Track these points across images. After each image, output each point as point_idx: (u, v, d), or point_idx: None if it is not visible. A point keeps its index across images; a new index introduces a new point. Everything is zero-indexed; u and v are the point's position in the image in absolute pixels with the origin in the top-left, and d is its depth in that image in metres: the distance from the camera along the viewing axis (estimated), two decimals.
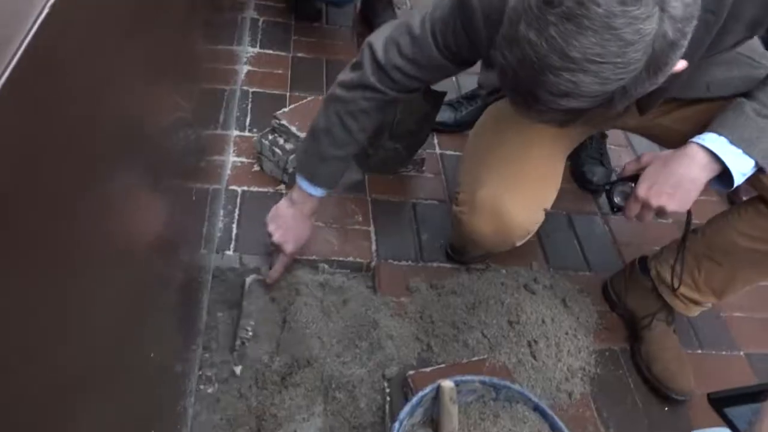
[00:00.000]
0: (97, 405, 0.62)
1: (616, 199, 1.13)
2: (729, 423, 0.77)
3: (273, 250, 1.36)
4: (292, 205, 1.30)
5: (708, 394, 0.84)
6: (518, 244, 1.24)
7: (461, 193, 1.27)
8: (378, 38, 1.11)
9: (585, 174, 1.81)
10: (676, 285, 1.32)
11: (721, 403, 0.77)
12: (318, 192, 1.27)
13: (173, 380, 0.99)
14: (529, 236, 1.25)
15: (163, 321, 0.93)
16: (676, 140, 1.13)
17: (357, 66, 1.14)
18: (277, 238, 1.31)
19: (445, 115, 1.86)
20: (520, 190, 1.19)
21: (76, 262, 0.52)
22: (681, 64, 0.80)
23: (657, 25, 0.70)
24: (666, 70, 0.76)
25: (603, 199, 1.76)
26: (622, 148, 2.04)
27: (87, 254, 0.55)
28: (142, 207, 0.79)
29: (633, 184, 1.09)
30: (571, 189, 1.83)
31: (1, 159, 0.34)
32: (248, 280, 1.39)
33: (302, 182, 1.26)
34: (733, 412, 0.77)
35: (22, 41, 0.35)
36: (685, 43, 0.75)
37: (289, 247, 1.32)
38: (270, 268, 1.39)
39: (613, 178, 1.74)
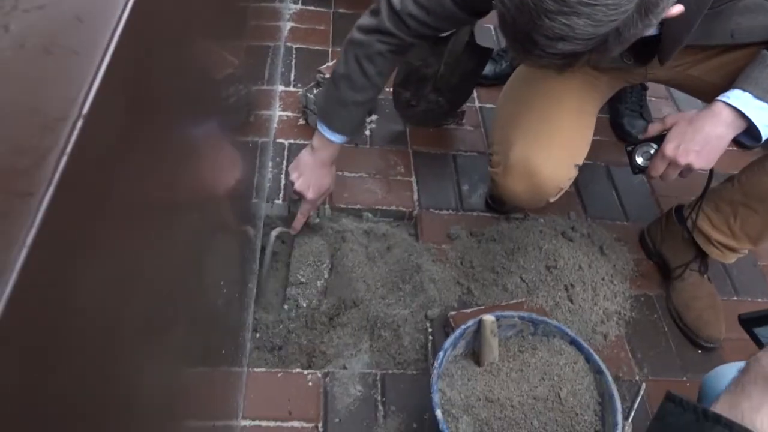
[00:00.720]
0: (183, 327, 0.70)
1: (639, 160, 1.15)
2: (757, 341, 0.80)
3: (296, 198, 1.38)
4: (312, 153, 1.32)
5: (739, 315, 0.87)
6: (552, 200, 1.27)
7: (494, 154, 1.30)
8: None
9: (624, 126, 1.82)
10: (690, 230, 1.38)
11: (751, 323, 0.79)
12: (336, 138, 1.29)
13: (236, 312, 1.08)
14: (562, 192, 1.28)
15: (227, 258, 1.01)
16: (708, 91, 1.14)
17: (375, 12, 1.17)
18: (298, 185, 1.33)
19: (485, 68, 1.89)
20: (551, 147, 1.22)
21: (165, 204, 0.59)
22: (677, 8, 0.83)
23: None
24: (657, 12, 0.79)
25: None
26: (662, 100, 2.04)
27: (172, 198, 0.62)
28: (209, 158, 0.86)
29: (655, 145, 1.12)
30: (610, 141, 1.85)
31: (117, 103, 0.41)
32: (273, 233, 1.42)
33: (322, 128, 1.29)
34: (762, 331, 0.80)
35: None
36: None
37: (310, 194, 1.34)
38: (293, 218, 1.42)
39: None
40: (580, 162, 1.26)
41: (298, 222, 1.39)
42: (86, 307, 0.38)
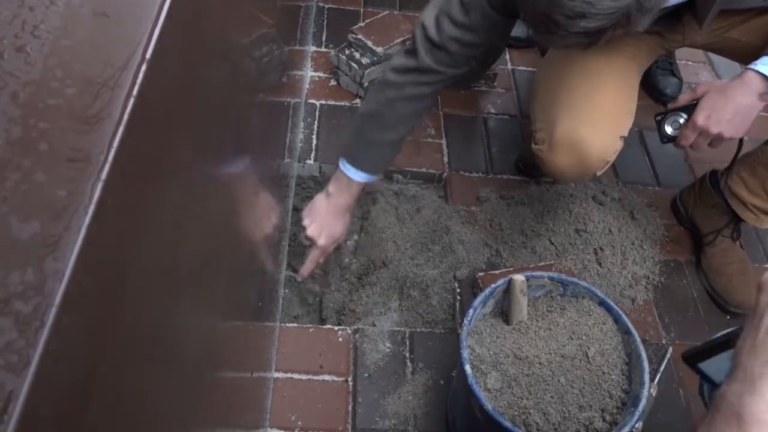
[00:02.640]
0: (226, 279, 0.72)
1: (668, 129, 1.14)
2: (706, 378, 0.75)
3: (308, 244, 1.32)
4: (327, 199, 1.28)
5: (682, 354, 0.81)
6: (599, 173, 1.26)
7: (538, 131, 1.26)
8: (428, 17, 1.09)
9: (658, 86, 1.79)
10: (725, 196, 1.39)
11: (694, 359, 0.74)
12: (361, 177, 1.23)
13: (270, 267, 1.11)
14: (608, 165, 1.26)
15: (262, 214, 1.03)
16: (747, 54, 1.13)
17: (410, 51, 1.13)
18: (310, 231, 1.28)
19: (517, 30, 1.86)
20: (596, 120, 1.20)
21: (209, 156, 0.61)
22: None
23: None
24: None
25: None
26: (700, 65, 1.99)
27: (217, 150, 0.64)
28: (248, 114, 0.87)
29: (684, 114, 1.11)
30: (643, 105, 1.81)
31: (175, 50, 0.42)
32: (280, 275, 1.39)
33: (345, 166, 1.23)
34: (708, 366, 0.74)
35: None
36: None
37: (321, 241, 1.28)
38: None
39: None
40: (626, 133, 1.24)
41: (306, 269, 1.33)
42: (146, 256, 0.40)
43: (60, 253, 0.28)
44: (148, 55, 0.36)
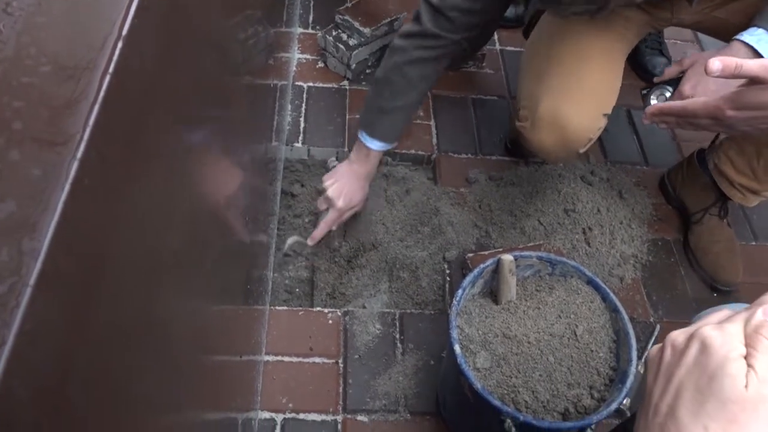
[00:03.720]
0: (212, 260, 0.72)
1: (653, 102, 1.14)
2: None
3: (324, 208, 1.35)
4: (349, 165, 1.33)
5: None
6: (582, 151, 1.26)
7: (522, 108, 1.27)
8: None
9: (647, 65, 1.79)
10: (712, 174, 1.40)
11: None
12: (377, 146, 1.29)
13: (258, 250, 1.11)
14: (592, 143, 1.26)
15: (250, 196, 1.03)
16: (734, 33, 1.12)
17: (416, 18, 1.18)
18: (331, 191, 1.31)
19: (508, 10, 1.85)
20: (579, 98, 1.20)
21: (192, 136, 0.60)
22: None
23: None
24: None
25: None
26: (688, 44, 1.99)
27: (199, 129, 0.63)
28: (233, 95, 0.86)
29: (671, 87, 1.11)
30: (631, 84, 1.81)
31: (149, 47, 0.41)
32: (289, 240, 1.40)
33: (363, 136, 1.29)
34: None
35: None
36: None
37: (340, 202, 1.31)
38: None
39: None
40: (609, 111, 1.24)
41: (320, 231, 1.34)
42: (123, 242, 0.39)
43: (36, 233, 0.28)
44: (124, 32, 0.35)
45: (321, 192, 1.35)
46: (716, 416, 0.44)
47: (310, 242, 1.36)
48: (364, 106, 1.32)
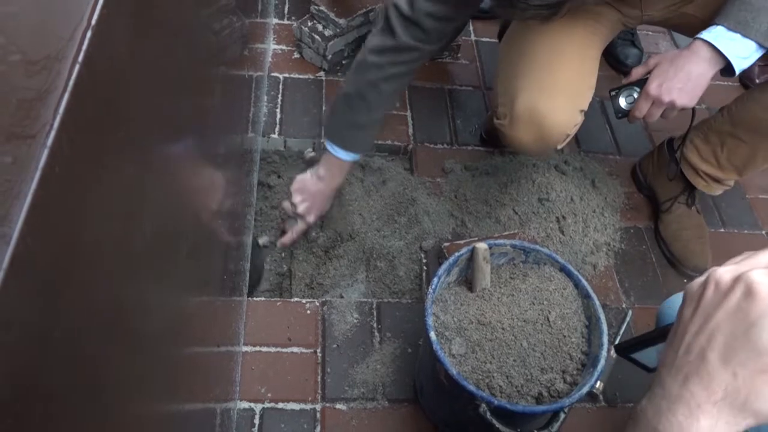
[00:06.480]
0: (186, 250, 0.72)
1: (622, 103, 1.17)
2: (642, 366, 0.77)
3: (292, 217, 1.38)
4: (319, 181, 1.33)
5: (614, 345, 0.86)
6: (560, 147, 1.27)
7: (499, 106, 1.27)
8: None
9: (619, 56, 1.81)
10: (678, 162, 1.43)
11: (628, 351, 0.75)
12: (350, 156, 1.29)
13: (234, 240, 1.11)
14: (569, 138, 1.28)
15: (225, 187, 1.03)
16: (702, 30, 1.15)
17: (385, 30, 1.14)
18: (302, 209, 1.34)
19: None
20: (556, 95, 1.21)
21: (166, 127, 0.61)
22: None
23: None
24: None
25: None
26: (660, 35, 2.02)
27: (173, 121, 0.63)
28: (206, 87, 0.86)
29: (638, 88, 1.14)
30: (604, 75, 1.83)
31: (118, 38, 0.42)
32: (260, 240, 1.42)
33: (334, 149, 1.27)
34: (643, 356, 0.74)
35: None
36: None
37: (310, 218, 1.35)
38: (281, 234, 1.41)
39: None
40: (586, 107, 1.26)
41: (288, 239, 1.38)
42: (95, 230, 0.40)
43: (7, 219, 0.28)
44: (93, 21, 0.36)
45: (288, 195, 1.36)
46: (748, 365, 0.44)
47: (279, 245, 1.39)
48: (330, 119, 1.30)
